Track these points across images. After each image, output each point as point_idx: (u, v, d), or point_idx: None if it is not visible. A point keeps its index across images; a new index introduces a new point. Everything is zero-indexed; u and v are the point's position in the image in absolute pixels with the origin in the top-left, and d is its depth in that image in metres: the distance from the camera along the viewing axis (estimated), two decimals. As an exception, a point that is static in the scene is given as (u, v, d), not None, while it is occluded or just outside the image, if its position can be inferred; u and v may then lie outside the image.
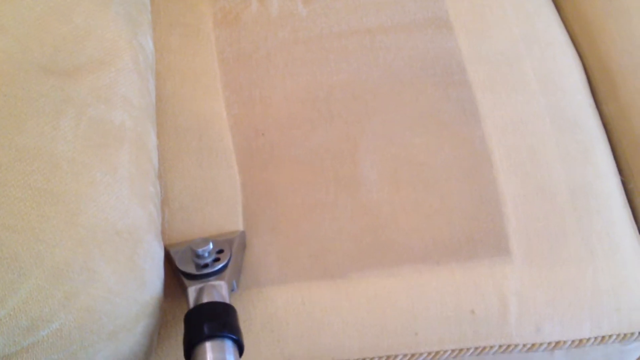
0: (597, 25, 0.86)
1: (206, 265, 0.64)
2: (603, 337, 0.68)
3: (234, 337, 0.56)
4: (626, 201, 0.76)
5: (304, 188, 0.74)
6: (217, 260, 0.65)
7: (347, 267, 0.70)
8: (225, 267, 0.64)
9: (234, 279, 0.66)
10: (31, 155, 0.52)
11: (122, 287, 0.54)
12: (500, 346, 0.68)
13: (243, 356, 0.58)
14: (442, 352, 0.68)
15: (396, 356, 0.68)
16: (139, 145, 0.61)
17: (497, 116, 0.78)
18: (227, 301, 0.61)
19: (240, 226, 0.72)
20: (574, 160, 0.75)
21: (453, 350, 0.68)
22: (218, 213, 0.72)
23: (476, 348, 0.68)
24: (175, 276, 0.66)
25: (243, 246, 0.71)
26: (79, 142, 0.55)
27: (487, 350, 0.68)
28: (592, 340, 0.68)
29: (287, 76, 0.80)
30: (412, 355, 0.68)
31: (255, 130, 0.77)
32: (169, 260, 0.67)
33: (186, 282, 0.63)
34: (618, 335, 0.69)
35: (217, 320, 0.57)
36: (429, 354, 0.68)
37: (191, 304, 0.61)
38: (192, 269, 0.64)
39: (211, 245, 0.65)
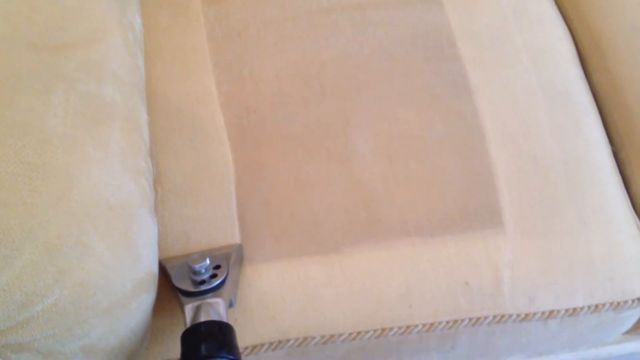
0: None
1: (203, 282, 0.63)
2: (597, 305, 0.69)
3: (232, 357, 0.56)
4: (617, 171, 0.76)
5: (296, 164, 0.74)
6: (214, 276, 0.64)
7: (340, 242, 0.70)
8: (222, 283, 0.63)
9: (231, 294, 0.65)
10: (22, 130, 0.51)
11: (117, 263, 0.54)
12: (494, 317, 0.68)
13: (238, 334, 0.58)
14: (436, 324, 0.68)
15: (391, 329, 0.68)
16: (130, 121, 0.61)
17: (489, 90, 0.78)
18: (225, 319, 0.59)
19: (233, 204, 0.71)
20: (566, 131, 0.76)
21: (447, 322, 0.68)
22: (211, 191, 0.72)
23: (470, 319, 0.68)
24: (172, 291, 0.65)
25: (240, 259, 0.70)
26: (69, 117, 0.54)
27: (481, 321, 0.68)
28: (586, 309, 0.69)
29: (277, 53, 0.80)
30: (407, 327, 0.68)
31: (246, 108, 0.77)
32: (164, 274, 0.66)
33: (183, 299, 0.62)
34: (612, 303, 0.69)
35: (215, 340, 0.56)
36: (424, 325, 0.68)
37: (188, 322, 0.59)
38: (188, 286, 0.63)
39: (208, 261, 0.63)
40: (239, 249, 0.69)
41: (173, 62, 0.79)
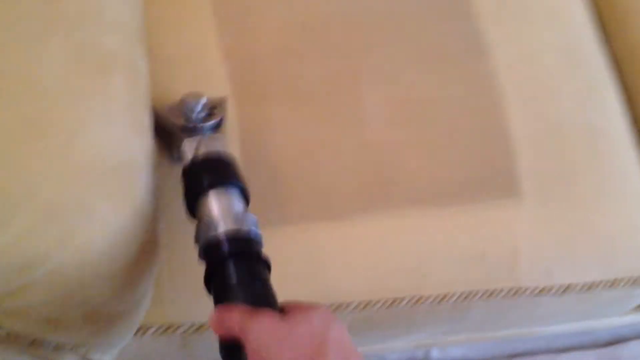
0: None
1: (201, 120, 0.61)
2: (614, 280, 0.67)
3: (240, 184, 0.54)
4: (636, 142, 0.74)
5: (303, 125, 0.69)
6: (210, 116, 0.61)
7: (350, 209, 0.66)
8: (221, 121, 0.62)
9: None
10: (17, 81, 0.47)
11: (122, 226, 0.50)
12: (510, 290, 0.66)
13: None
14: (450, 295, 0.66)
15: (402, 299, 0.65)
16: (133, 71, 0.56)
17: (505, 50, 0.74)
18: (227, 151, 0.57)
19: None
20: (585, 99, 0.73)
21: (462, 293, 0.66)
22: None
23: (485, 292, 0.66)
24: (166, 140, 0.62)
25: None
26: (69, 66, 0.50)
27: (496, 293, 0.66)
28: (603, 284, 0.67)
29: (281, 3, 0.75)
30: (419, 298, 0.65)
31: (249, 62, 0.72)
32: (158, 123, 0.61)
33: (182, 135, 0.59)
34: (629, 279, 0.67)
35: (220, 169, 0.54)
36: (437, 296, 0.66)
37: (189, 157, 0.56)
38: (186, 122, 0.60)
39: (205, 99, 0.61)
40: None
41: (172, 10, 0.74)
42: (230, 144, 0.67)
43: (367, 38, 0.74)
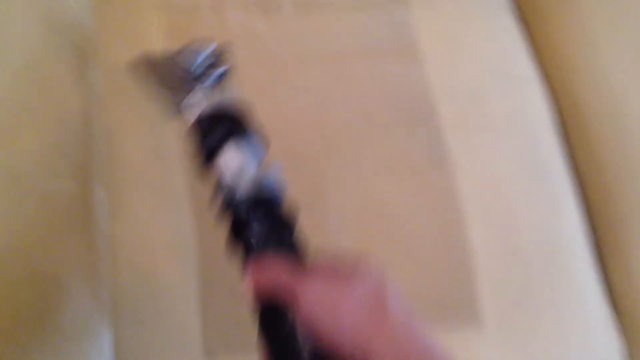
0: (570, 64, 0.81)
1: (206, 70, 0.57)
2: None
3: (258, 132, 0.51)
4: (596, 259, 0.73)
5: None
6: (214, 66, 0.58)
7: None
8: (227, 71, 0.58)
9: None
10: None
11: None
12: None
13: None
14: None
15: None
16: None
17: (467, 160, 0.73)
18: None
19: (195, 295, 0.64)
20: (547, 215, 0.72)
21: None
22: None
23: None
24: (169, 92, 0.58)
25: None
26: None
27: None
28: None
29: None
30: None
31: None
32: (161, 73, 0.59)
33: (187, 85, 0.55)
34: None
35: (238, 123, 0.51)
36: None
37: (200, 107, 0.52)
38: (190, 74, 0.56)
39: (215, 45, 0.58)
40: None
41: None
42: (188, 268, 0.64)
43: (332, 140, 0.72)
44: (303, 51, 0.75)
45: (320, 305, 0.39)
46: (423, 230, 0.69)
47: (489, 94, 0.77)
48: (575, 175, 0.77)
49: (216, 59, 0.58)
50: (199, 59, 0.57)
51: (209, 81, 0.56)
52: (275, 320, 0.42)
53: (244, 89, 0.71)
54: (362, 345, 0.38)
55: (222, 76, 0.57)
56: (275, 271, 0.42)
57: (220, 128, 0.50)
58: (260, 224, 0.45)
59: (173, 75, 0.57)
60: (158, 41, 0.72)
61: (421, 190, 0.70)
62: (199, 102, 0.53)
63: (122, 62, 0.65)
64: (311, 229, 0.65)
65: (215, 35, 0.73)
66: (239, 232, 0.46)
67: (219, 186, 0.48)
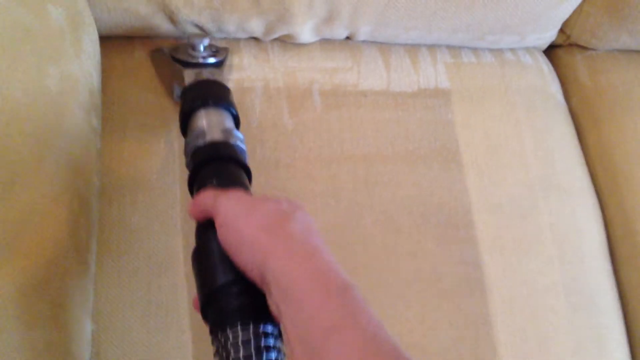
0: (624, 173, 0.74)
1: (203, 57, 0.65)
2: None
3: (233, 110, 0.58)
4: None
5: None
6: (213, 56, 0.66)
7: None
8: (222, 62, 0.66)
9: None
10: None
11: None
12: None
13: None
14: None
15: None
16: None
17: (505, 287, 0.66)
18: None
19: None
20: (588, 353, 0.65)
21: None
22: None
23: None
24: (172, 79, 0.66)
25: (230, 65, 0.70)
26: None
27: None
28: None
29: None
30: None
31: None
32: (158, 62, 0.67)
33: (182, 68, 0.63)
34: None
35: (212, 92, 0.59)
36: None
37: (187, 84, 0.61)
38: (188, 58, 0.64)
39: (208, 40, 0.65)
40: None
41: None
42: None
43: (355, 258, 0.65)
44: (331, 150, 0.69)
45: (233, 212, 0.41)
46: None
47: (534, 209, 0.70)
48: (621, 299, 0.70)
49: (214, 53, 0.66)
50: (199, 49, 0.65)
51: (205, 67, 0.65)
52: (205, 231, 0.44)
53: (266, 189, 0.66)
54: (259, 260, 0.38)
55: (216, 65, 0.66)
56: (204, 194, 0.45)
57: (198, 96, 0.57)
58: (215, 171, 0.50)
59: (177, 62, 0.64)
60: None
61: (451, 318, 0.64)
62: (190, 79, 0.62)
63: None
64: None
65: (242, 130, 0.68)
66: (196, 178, 0.50)
67: (188, 142, 0.54)
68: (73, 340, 0.48)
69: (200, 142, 0.52)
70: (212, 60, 0.65)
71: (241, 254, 0.39)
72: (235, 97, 0.68)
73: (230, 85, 0.69)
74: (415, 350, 0.62)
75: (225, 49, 0.68)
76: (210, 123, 0.55)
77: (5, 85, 0.45)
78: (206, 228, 0.44)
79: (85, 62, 0.56)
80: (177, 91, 0.64)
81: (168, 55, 0.65)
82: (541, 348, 0.64)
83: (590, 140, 0.78)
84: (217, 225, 0.41)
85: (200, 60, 0.64)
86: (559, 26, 0.79)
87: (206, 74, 0.63)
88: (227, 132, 0.54)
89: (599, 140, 0.77)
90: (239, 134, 0.55)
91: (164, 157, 0.65)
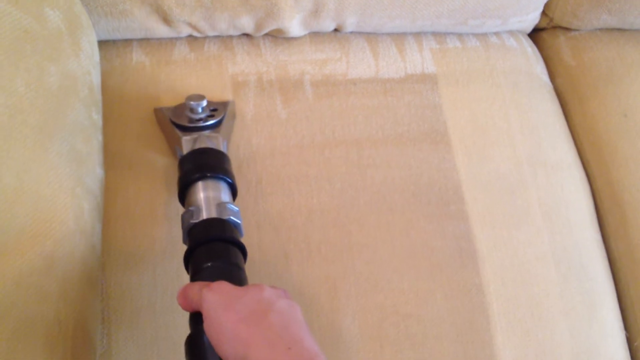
0: (610, 147, 0.77)
1: (200, 120, 0.66)
2: None
3: (228, 179, 0.59)
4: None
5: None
6: (211, 117, 0.66)
7: None
8: (220, 122, 0.66)
9: (225, 139, 0.66)
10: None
11: None
12: None
13: None
14: None
15: None
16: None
17: (497, 258, 0.69)
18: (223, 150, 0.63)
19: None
20: (579, 317, 0.67)
21: None
22: None
23: None
24: (172, 138, 0.66)
25: (233, 114, 0.71)
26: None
27: None
28: None
29: (259, 196, 0.69)
30: None
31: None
32: (160, 121, 0.68)
33: (180, 133, 0.64)
34: None
35: (211, 164, 0.60)
36: None
37: (184, 152, 0.62)
38: (186, 122, 0.66)
39: (205, 102, 0.66)
40: (232, 104, 0.71)
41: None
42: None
43: (350, 238, 0.68)
44: (324, 137, 0.72)
45: (216, 305, 0.43)
46: (446, 333, 0.65)
47: (522, 184, 0.73)
48: (611, 269, 0.72)
49: (212, 112, 0.67)
50: (197, 113, 0.66)
51: (202, 130, 0.65)
52: (196, 322, 0.45)
53: (263, 176, 0.70)
54: (240, 352, 0.39)
55: (214, 127, 0.66)
56: (190, 288, 0.46)
57: (194, 168, 0.59)
58: (208, 252, 0.52)
59: (175, 125, 0.66)
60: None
61: (445, 288, 0.66)
62: (187, 147, 0.62)
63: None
64: (324, 325, 0.64)
65: (238, 122, 0.72)
66: (191, 257, 0.52)
67: (185, 218, 0.56)
68: (82, 315, 0.51)
69: (195, 219, 0.55)
70: (210, 122, 0.66)
71: (224, 345, 0.41)
72: (230, 91, 0.72)
73: (226, 80, 0.72)
74: (412, 321, 0.65)
75: (225, 104, 0.70)
76: (206, 199, 0.57)
77: (9, 82, 0.49)
78: (196, 319, 0.45)
79: (83, 60, 0.60)
80: (179, 152, 0.64)
81: (167, 118, 0.67)
82: (533, 313, 0.67)
83: (576, 116, 0.80)
84: (203, 317, 0.43)
85: (200, 124, 0.66)
86: (540, 8, 0.82)
87: (203, 138, 0.64)
88: (221, 207, 0.56)
89: (584, 116, 0.80)
90: (233, 207, 0.57)
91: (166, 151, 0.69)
